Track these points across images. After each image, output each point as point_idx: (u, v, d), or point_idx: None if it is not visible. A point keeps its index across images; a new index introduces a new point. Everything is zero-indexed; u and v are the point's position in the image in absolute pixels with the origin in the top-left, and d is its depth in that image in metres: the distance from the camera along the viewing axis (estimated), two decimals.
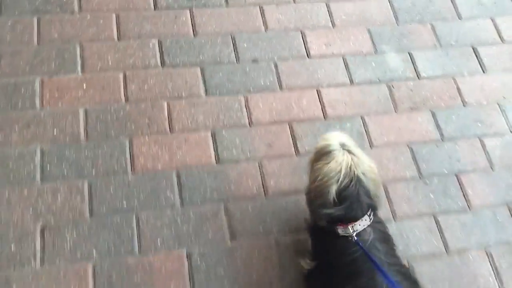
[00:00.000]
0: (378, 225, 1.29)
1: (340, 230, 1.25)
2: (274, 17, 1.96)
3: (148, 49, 1.81)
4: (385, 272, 1.14)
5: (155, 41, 1.83)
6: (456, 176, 1.75)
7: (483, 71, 1.98)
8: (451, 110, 1.87)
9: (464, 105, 1.90)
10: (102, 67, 1.75)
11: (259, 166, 1.67)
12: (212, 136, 1.69)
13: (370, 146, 1.76)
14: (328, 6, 2.03)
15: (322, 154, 1.28)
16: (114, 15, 1.86)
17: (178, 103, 1.74)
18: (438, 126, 1.83)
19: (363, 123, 1.80)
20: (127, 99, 1.71)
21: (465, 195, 1.72)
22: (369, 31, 2.01)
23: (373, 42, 1.98)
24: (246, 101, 1.78)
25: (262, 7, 1.98)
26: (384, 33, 2.00)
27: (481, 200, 1.72)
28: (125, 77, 1.75)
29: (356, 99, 1.85)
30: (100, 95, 1.71)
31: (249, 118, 1.75)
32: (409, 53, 1.98)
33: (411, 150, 1.77)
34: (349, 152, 1.24)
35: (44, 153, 1.58)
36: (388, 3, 2.09)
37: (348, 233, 1.23)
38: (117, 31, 1.83)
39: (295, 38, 1.94)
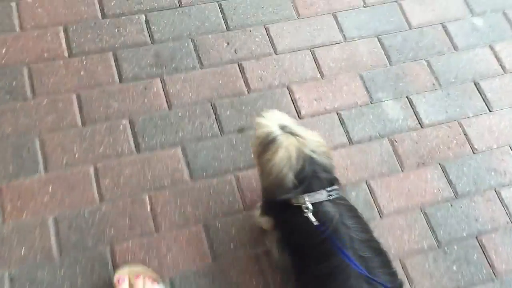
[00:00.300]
0: (342, 201, 1.24)
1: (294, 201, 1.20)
2: (255, 75, 1.74)
3: (119, 132, 1.58)
4: (348, 256, 1.09)
5: (125, 122, 1.60)
6: (477, 238, 1.59)
7: (489, 109, 1.82)
8: (461, 160, 1.70)
9: (474, 152, 1.73)
10: (68, 161, 1.52)
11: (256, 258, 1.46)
12: (205, 230, 1.48)
13: (380, 215, 1.58)
14: (313, 53, 1.81)
15: (266, 144, 1.21)
16: (74, 96, 1.61)
17: (161, 194, 1.51)
18: (450, 182, 1.66)
19: (369, 189, 1.61)
20: (101, 199, 1.49)
21: (489, 261, 1.55)
22: (361, 77, 1.81)
23: (367, 89, 1.79)
24: (237, 180, 1.56)
25: (240, 64, 1.75)
26: (378, 78, 1.81)
27: (506, 264, 1.55)
28: (96, 171, 1.52)
29: (358, 161, 1.65)
30: (70, 198, 1.48)
31: (243, 201, 1.53)
32: (407, 98, 1.79)
33: (425, 215, 1.60)
34: (292, 133, 1.19)
35: (13, 280, 1.34)
36: (378, 42, 1.89)
37: (300, 202, 1.18)
38: (80, 114, 1.58)
39: (282, 96, 1.72)
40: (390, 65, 1.86)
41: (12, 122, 1.54)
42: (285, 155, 1.17)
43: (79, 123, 1.58)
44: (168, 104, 1.65)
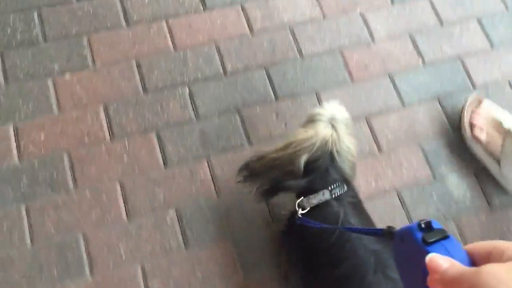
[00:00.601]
0: (348, 198, 1.20)
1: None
2: None
3: (166, 227, 1.48)
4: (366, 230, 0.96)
5: (172, 214, 1.50)
6: None
7: None
8: None
9: None
10: (115, 262, 1.43)
11: None
12: None
13: None
14: (369, 123, 1.67)
15: (307, 121, 1.24)
16: (118, 186, 1.51)
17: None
18: None
19: None
20: None
21: None
22: (422, 150, 1.65)
23: (429, 164, 1.64)
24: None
25: None
26: (439, 150, 1.65)
27: None
28: (144, 271, 1.42)
29: None
30: None
31: None
32: (475, 175, 1.63)
33: None
34: (333, 126, 1.19)
35: None
36: (439, 104, 1.72)
37: (300, 205, 1.18)
38: (125, 207, 1.49)
39: None
40: (452, 132, 1.69)
41: (55, 220, 1.46)
42: (310, 138, 1.17)
43: (125, 217, 1.48)
44: (216, 191, 1.53)
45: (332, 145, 1.18)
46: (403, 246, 0.60)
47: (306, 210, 1.17)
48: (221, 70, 1.69)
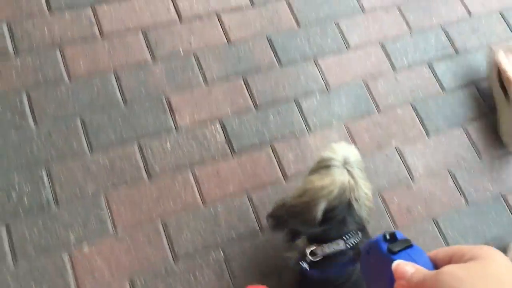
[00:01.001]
0: (362, 244, 1.18)
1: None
2: None
3: None
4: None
5: None
6: None
7: None
8: None
9: None
10: None
11: None
12: None
13: None
14: None
15: (321, 167, 1.19)
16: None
17: None
18: None
19: None
20: None
21: None
22: None
23: None
24: None
25: None
26: None
27: None
28: None
29: None
30: None
31: None
32: None
33: None
34: (349, 172, 1.15)
35: None
36: None
37: (313, 253, 1.17)
38: None
39: None
40: None
41: None
42: (328, 186, 1.13)
43: None
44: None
45: (350, 193, 1.14)
46: (370, 257, 0.63)
47: (318, 258, 1.16)
48: (257, 227, 1.51)
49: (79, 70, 1.59)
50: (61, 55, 1.60)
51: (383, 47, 1.82)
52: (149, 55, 1.66)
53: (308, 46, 1.78)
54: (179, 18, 1.73)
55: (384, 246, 0.59)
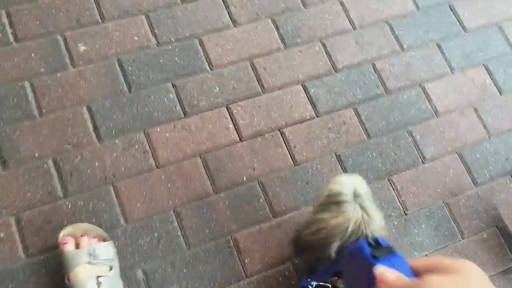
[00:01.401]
0: None
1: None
2: None
3: None
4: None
5: None
6: None
7: None
8: None
9: None
10: None
11: None
12: None
13: None
14: None
15: (331, 202, 1.14)
16: None
17: None
18: None
19: None
20: None
21: None
22: None
23: None
24: None
25: None
26: None
27: None
28: None
29: None
30: None
31: None
32: None
33: None
34: (361, 206, 1.11)
35: None
36: None
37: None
38: None
39: None
40: None
41: None
42: (342, 224, 1.09)
43: None
44: None
45: (365, 227, 1.10)
46: (353, 261, 0.65)
47: None
48: None
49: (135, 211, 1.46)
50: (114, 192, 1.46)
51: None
52: (211, 189, 1.52)
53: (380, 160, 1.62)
54: (239, 138, 1.59)
55: (368, 251, 0.62)
